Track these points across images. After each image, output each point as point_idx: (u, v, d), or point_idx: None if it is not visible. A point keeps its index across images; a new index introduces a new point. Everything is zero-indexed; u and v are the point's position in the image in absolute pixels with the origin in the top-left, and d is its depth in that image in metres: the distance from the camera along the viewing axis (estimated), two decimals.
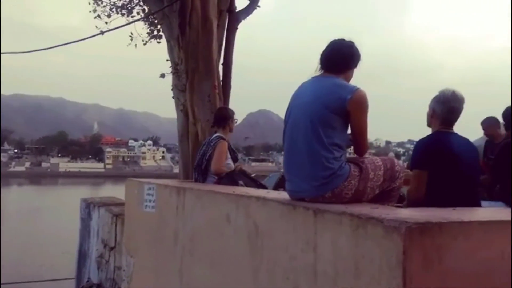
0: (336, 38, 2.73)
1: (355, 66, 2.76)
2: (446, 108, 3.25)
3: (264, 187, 4.30)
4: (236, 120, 4.89)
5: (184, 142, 6.00)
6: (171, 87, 6.23)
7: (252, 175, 4.80)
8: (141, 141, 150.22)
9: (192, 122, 5.85)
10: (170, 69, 6.18)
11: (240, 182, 4.23)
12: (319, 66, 2.70)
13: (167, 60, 6.22)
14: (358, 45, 2.76)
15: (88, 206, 6.92)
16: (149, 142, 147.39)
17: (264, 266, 2.60)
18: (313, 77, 2.73)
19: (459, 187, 3.15)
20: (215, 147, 4.56)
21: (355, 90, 2.52)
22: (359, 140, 2.62)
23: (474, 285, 1.82)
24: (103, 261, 5.99)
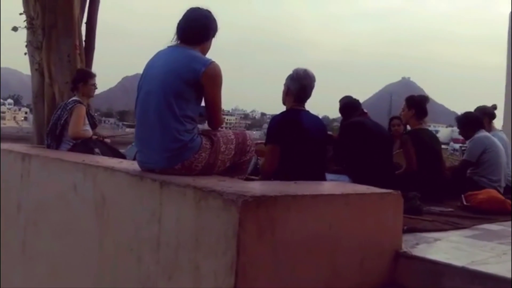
0: (193, 6, 2.67)
1: (213, 37, 2.74)
2: (298, 85, 3.43)
3: (121, 156, 4.15)
4: (95, 84, 4.62)
5: (39, 104, 5.51)
6: (25, 43, 5.66)
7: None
8: None
9: (49, 83, 5.37)
10: (25, 23, 5.60)
11: (96, 150, 4.04)
12: (175, 36, 2.64)
13: (20, 14, 5.61)
14: (219, 13, 2.74)
15: None
16: (9, 100, 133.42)
17: (110, 237, 2.54)
18: (168, 47, 2.67)
19: (306, 161, 3.36)
20: (72, 111, 4.28)
21: (209, 64, 2.51)
22: (212, 113, 2.63)
23: (303, 254, 1.96)
24: None
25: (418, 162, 4.49)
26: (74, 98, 4.42)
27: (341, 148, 4.22)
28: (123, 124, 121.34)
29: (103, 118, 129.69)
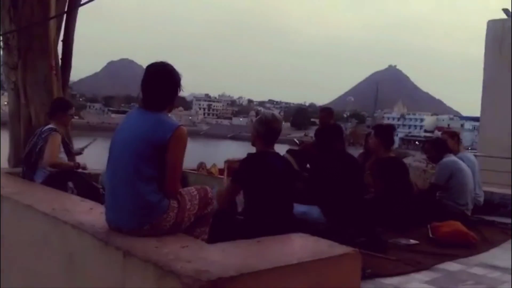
0: (154, 64, 2.69)
1: (179, 92, 2.76)
2: (267, 128, 3.52)
3: (96, 189, 4.19)
4: (73, 114, 4.65)
5: (15, 124, 5.50)
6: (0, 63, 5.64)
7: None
8: None
9: (25, 104, 5.36)
10: (1, 43, 5.56)
11: (70, 184, 4.08)
12: (141, 96, 2.69)
13: None
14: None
15: None
16: None
17: None
18: (138, 109, 2.72)
19: (275, 200, 3.46)
20: (47, 140, 4.29)
21: (175, 128, 2.58)
22: (171, 176, 2.60)
23: None
24: None
25: (386, 190, 4.63)
26: (50, 126, 4.43)
27: (311, 180, 4.33)
28: (108, 110, 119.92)
29: (88, 104, 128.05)
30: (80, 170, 4.44)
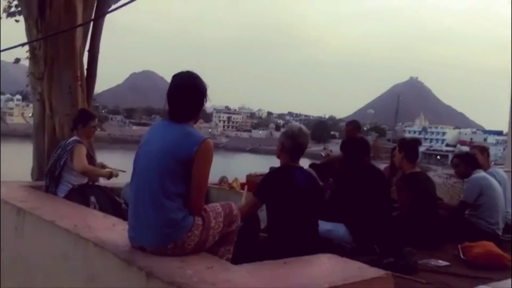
0: (179, 74, 2.61)
1: (205, 103, 2.68)
2: (293, 143, 3.42)
3: (117, 204, 4.14)
4: (96, 126, 4.60)
5: (40, 136, 5.53)
6: (26, 74, 5.69)
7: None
8: (8, 95, 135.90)
9: (49, 115, 5.39)
10: (27, 54, 5.62)
11: (92, 198, 4.03)
12: (167, 107, 2.62)
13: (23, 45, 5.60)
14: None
15: None
16: (18, 96, 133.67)
17: None
18: (163, 121, 2.67)
19: (299, 217, 3.35)
20: (72, 151, 4.25)
21: (201, 142, 2.51)
22: (196, 191, 2.53)
23: None
24: None
25: (413, 207, 4.48)
26: (74, 138, 4.40)
27: (337, 196, 4.21)
28: (130, 122, 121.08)
29: (110, 116, 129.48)
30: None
